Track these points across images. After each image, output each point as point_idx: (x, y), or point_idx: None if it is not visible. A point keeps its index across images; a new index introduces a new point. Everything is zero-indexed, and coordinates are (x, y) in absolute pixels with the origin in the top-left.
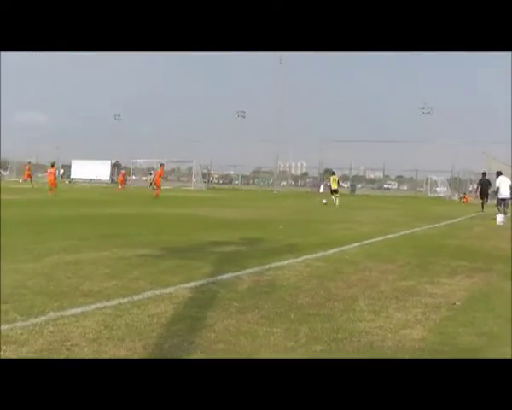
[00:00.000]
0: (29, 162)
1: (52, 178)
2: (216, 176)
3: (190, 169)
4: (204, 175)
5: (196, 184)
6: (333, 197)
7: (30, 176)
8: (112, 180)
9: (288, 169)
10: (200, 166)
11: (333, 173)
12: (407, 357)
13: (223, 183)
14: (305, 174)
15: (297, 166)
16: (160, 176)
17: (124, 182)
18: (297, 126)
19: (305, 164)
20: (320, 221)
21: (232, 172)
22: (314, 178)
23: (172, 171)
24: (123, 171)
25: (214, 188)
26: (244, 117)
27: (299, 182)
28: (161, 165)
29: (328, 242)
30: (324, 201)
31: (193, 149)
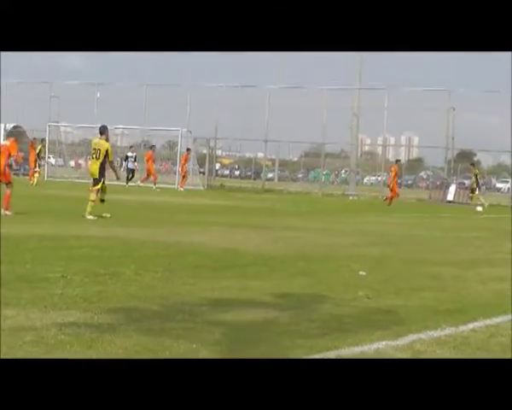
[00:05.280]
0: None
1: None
2: (228, 161)
3: (172, 146)
4: (201, 160)
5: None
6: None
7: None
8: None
9: (377, 150)
10: (195, 140)
11: (472, 164)
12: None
13: (240, 175)
14: (418, 161)
15: (400, 142)
16: (149, 162)
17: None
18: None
19: (416, 139)
20: (443, 262)
21: (260, 156)
22: (437, 169)
23: (131, 149)
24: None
25: (223, 186)
26: None
27: (406, 178)
28: (151, 148)
29: (460, 306)
30: (479, 208)
31: (174, 109)
